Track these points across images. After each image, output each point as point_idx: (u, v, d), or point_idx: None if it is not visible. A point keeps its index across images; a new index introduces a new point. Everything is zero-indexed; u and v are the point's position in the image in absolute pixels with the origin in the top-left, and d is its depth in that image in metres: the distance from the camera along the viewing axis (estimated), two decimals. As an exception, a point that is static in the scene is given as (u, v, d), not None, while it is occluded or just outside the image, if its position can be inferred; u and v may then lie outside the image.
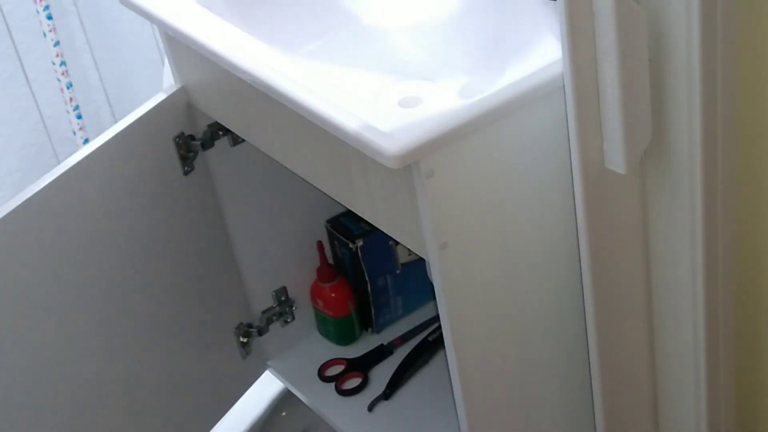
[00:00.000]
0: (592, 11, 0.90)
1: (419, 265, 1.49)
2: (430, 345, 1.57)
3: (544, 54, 1.01)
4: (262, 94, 1.09)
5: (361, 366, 1.56)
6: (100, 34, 2.07)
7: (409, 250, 1.13)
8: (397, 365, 1.54)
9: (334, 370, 1.57)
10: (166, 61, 1.34)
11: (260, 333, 1.56)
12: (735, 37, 0.93)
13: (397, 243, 1.51)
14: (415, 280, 1.57)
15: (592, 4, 0.90)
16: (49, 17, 1.99)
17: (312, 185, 1.22)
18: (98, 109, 2.20)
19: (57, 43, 2.02)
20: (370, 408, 1.51)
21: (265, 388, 1.66)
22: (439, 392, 1.49)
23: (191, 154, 1.36)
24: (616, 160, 0.98)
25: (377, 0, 1.25)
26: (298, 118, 1.04)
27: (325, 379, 1.56)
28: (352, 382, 1.54)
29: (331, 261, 1.60)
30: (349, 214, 1.54)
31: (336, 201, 1.23)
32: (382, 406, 1.51)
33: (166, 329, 1.43)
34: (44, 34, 2.00)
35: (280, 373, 1.60)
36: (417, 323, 1.61)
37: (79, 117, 2.09)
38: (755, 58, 0.95)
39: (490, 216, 1.04)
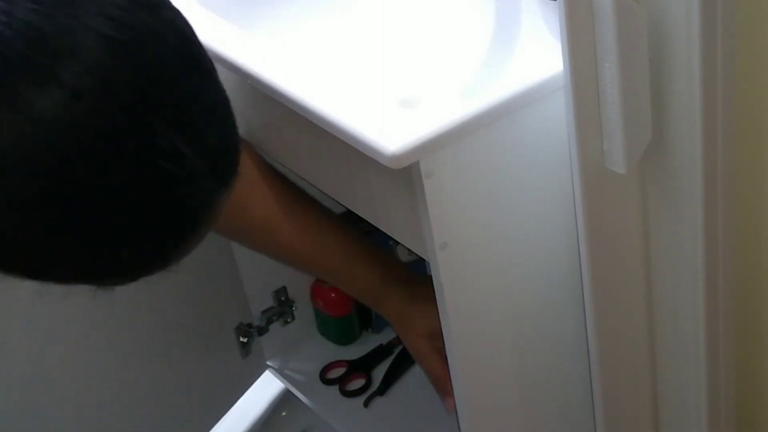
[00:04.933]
0: (592, 11, 0.90)
1: (419, 265, 1.49)
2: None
3: (544, 54, 1.01)
4: (262, 94, 1.09)
5: (363, 367, 1.56)
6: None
7: (409, 250, 1.13)
8: (391, 361, 1.55)
9: (336, 373, 1.56)
10: (166, 61, 1.34)
11: (260, 333, 1.56)
12: (735, 38, 0.93)
13: (397, 243, 1.51)
14: (415, 280, 1.57)
15: (592, 4, 0.90)
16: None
17: (312, 185, 1.22)
18: (98, 109, 2.19)
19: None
20: (366, 404, 1.51)
21: (265, 388, 1.66)
22: (432, 386, 1.50)
23: (191, 154, 1.36)
24: (616, 160, 0.98)
25: (379, 0, 1.25)
26: (298, 118, 1.04)
27: (327, 382, 1.56)
28: (356, 383, 1.54)
29: (331, 261, 1.60)
30: (349, 214, 1.54)
31: (336, 201, 1.23)
32: (378, 402, 1.51)
33: (165, 329, 1.43)
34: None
35: (280, 373, 1.60)
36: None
37: (79, 117, 2.09)
38: (755, 58, 0.95)
39: (490, 216, 1.04)
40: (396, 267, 1.33)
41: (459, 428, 1.17)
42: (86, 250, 0.74)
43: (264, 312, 1.56)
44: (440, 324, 1.14)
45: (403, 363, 1.55)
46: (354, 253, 1.30)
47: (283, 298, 1.57)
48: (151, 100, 0.71)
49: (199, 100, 0.76)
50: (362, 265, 1.30)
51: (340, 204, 1.25)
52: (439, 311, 1.06)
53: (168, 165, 0.72)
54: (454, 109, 0.97)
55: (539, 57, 1.01)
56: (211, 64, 0.80)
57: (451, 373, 1.12)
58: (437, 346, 1.25)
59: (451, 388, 1.24)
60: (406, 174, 0.98)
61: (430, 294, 1.16)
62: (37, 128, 0.68)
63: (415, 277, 1.34)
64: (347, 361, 1.58)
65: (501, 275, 1.08)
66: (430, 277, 1.04)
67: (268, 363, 1.61)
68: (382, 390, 1.52)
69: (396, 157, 0.93)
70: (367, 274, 1.30)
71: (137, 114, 0.71)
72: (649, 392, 1.20)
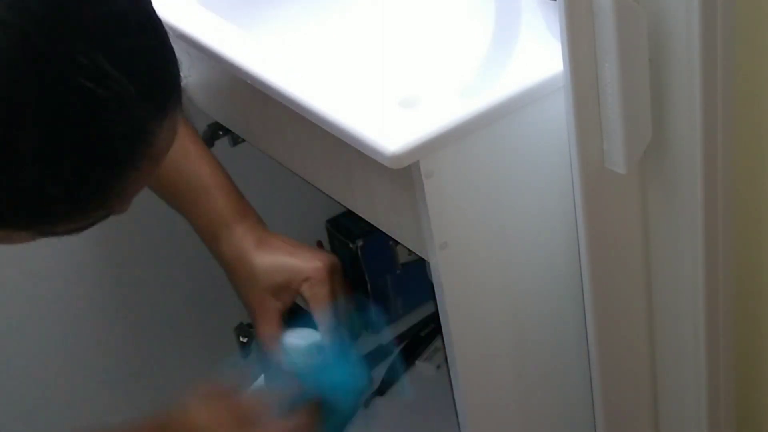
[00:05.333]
0: (592, 11, 0.90)
1: (419, 265, 1.49)
2: (423, 340, 1.57)
3: (543, 54, 1.01)
4: (262, 94, 1.09)
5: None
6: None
7: (409, 250, 1.13)
8: (391, 361, 1.55)
9: (336, 373, 1.57)
10: (166, 61, 1.33)
11: (260, 333, 1.56)
12: (735, 37, 0.93)
13: (397, 243, 1.51)
14: (415, 280, 1.57)
15: (592, 3, 0.90)
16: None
17: (312, 185, 1.22)
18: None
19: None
20: (366, 404, 1.51)
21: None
22: (432, 386, 1.50)
23: (191, 154, 1.36)
24: (616, 160, 0.98)
25: (379, 0, 1.25)
26: (298, 118, 1.04)
27: (327, 382, 1.56)
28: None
29: (331, 261, 1.60)
30: (349, 214, 1.54)
31: (336, 201, 1.23)
32: (378, 402, 1.51)
33: (166, 329, 1.43)
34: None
35: (280, 373, 1.60)
36: (416, 321, 1.61)
37: (79, 117, 2.09)
38: (755, 58, 0.95)
39: (490, 216, 1.04)
40: (251, 211, 1.19)
41: (459, 428, 1.16)
42: (12, 181, 0.71)
43: (264, 312, 1.56)
44: (290, 278, 1.09)
45: (403, 363, 1.55)
46: (211, 185, 1.18)
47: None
48: (68, 16, 0.69)
49: (126, 22, 0.73)
50: (215, 196, 1.17)
51: (340, 204, 1.25)
52: (439, 311, 1.06)
53: (91, 84, 0.70)
54: (454, 109, 0.97)
55: (539, 57, 1.01)
56: None
57: (451, 373, 1.12)
58: (277, 305, 1.14)
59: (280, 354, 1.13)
60: (406, 174, 0.98)
61: (282, 247, 1.11)
62: None
63: (269, 231, 1.19)
64: (347, 361, 1.58)
65: (501, 275, 1.08)
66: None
67: (268, 363, 1.61)
68: (382, 390, 1.52)
69: (396, 157, 0.93)
70: (216, 205, 1.17)
71: (53, 30, 0.69)
72: (649, 392, 1.20)
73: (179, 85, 0.78)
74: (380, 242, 1.53)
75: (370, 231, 1.52)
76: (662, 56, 0.94)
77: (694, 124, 0.95)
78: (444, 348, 1.11)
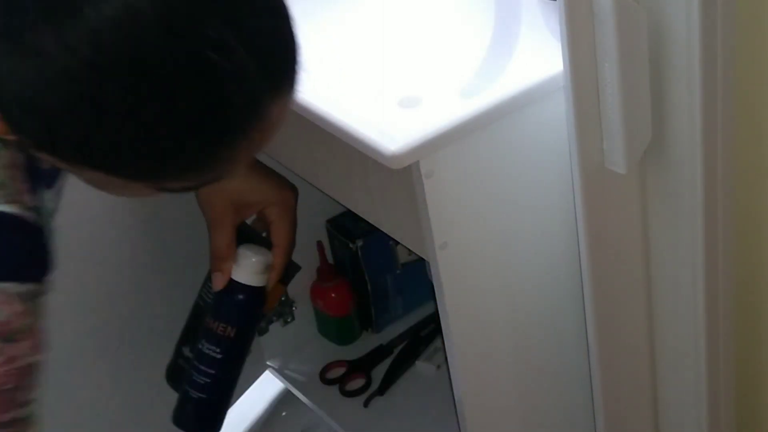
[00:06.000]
0: (592, 11, 0.90)
1: (419, 265, 1.49)
2: (423, 340, 1.57)
3: (544, 54, 1.01)
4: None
5: (363, 367, 1.56)
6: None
7: (409, 250, 1.13)
8: (391, 361, 1.56)
9: (336, 373, 1.57)
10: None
11: (260, 333, 1.56)
12: (735, 37, 0.93)
13: (397, 243, 1.51)
14: (415, 280, 1.57)
15: (592, 4, 0.90)
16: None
17: (312, 185, 1.22)
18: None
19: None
20: (366, 404, 1.51)
21: (265, 388, 1.66)
22: (432, 386, 1.50)
23: (191, 154, 1.36)
24: (617, 160, 0.98)
25: (378, 1, 1.25)
26: (298, 119, 1.04)
27: (328, 382, 1.56)
28: (356, 383, 1.54)
29: (331, 261, 1.60)
30: (349, 214, 1.54)
31: (336, 201, 1.23)
32: (378, 402, 1.51)
33: (166, 329, 1.43)
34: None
35: (280, 374, 1.60)
36: (416, 322, 1.61)
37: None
38: (755, 58, 0.95)
39: (490, 216, 1.04)
40: None
41: (459, 428, 1.17)
42: (133, 133, 0.77)
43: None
44: (259, 200, 1.18)
45: (403, 363, 1.55)
46: None
47: (283, 298, 1.57)
48: None
49: (256, 3, 0.79)
50: None
51: (340, 204, 1.25)
52: (439, 311, 1.06)
53: (215, 56, 0.76)
54: (454, 109, 0.97)
55: (539, 57, 1.01)
56: None
57: (451, 373, 1.12)
58: (235, 219, 1.22)
59: (227, 267, 1.21)
60: (406, 174, 0.98)
61: (256, 168, 1.18)
62: (106, 20, 0.74)
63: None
64: (347, 361, 1.58)
65: (501, 275, 1.08)
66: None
67: (268, 363, 1.61)
68: (382, 390, 1.52)
69: (396, 157, 0.93)
70: None
71: (191, 3, 0.75)
72: (649, 392, 1.20)
73: (297, 68, 0.84)
74: (380, 242, 1.53)
75: (370, 231, 1.52)
76: (662, 56, 0.94)
77: (694, 124, 0.95)
78: (444, 348, 1.11)
